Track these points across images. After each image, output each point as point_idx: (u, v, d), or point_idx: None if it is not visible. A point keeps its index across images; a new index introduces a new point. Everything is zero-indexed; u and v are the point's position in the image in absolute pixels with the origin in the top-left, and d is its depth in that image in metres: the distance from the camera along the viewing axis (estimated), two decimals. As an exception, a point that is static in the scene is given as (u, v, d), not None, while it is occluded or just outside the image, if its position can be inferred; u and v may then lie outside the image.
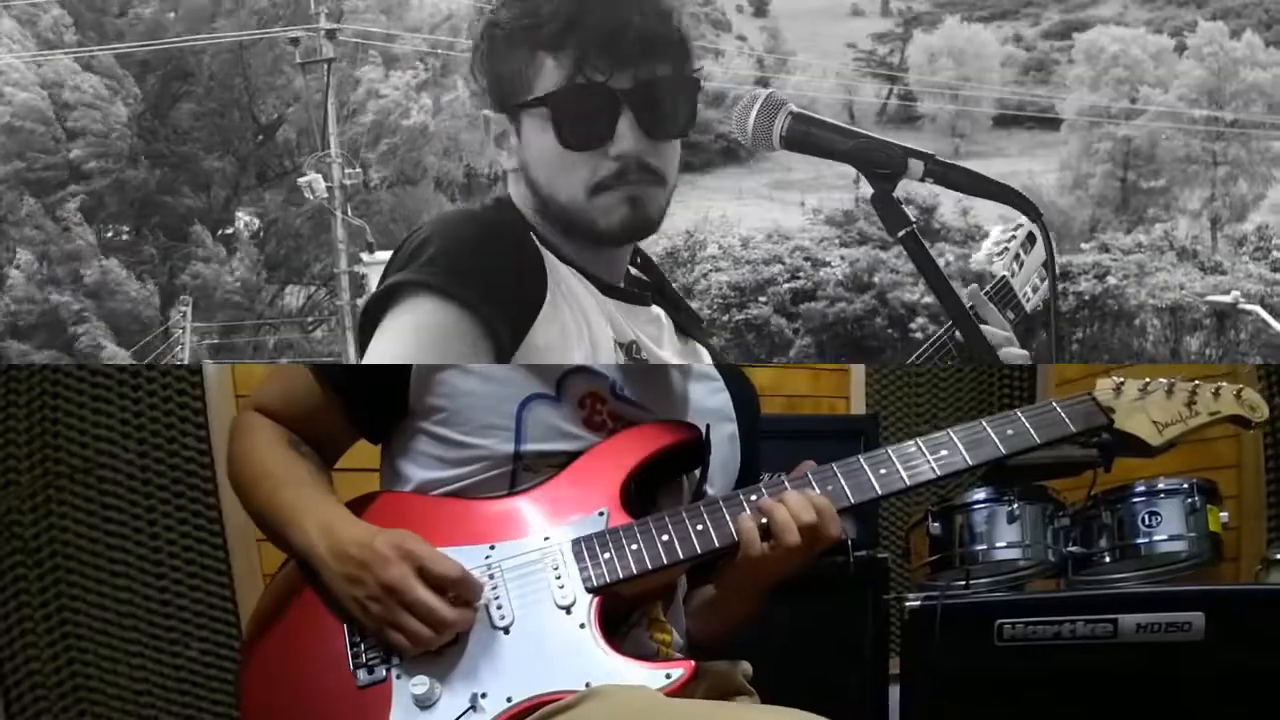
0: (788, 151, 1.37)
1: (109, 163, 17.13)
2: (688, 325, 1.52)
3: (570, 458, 1.42)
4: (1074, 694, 2.60)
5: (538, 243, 1.36)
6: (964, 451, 1.40)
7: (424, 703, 1.26)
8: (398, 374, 1.44)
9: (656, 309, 1.48)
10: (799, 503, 1.38)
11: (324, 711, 1.31)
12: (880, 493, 1.39)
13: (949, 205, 23.75)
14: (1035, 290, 1.67)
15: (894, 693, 2.93)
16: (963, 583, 2.82)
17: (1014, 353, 1.49)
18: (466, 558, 1.33)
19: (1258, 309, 15.48)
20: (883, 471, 1.39)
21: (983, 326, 1.49)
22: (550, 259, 1.36)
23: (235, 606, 2.99)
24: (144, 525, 2.99)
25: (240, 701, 1.38)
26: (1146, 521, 2.76)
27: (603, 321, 1.37)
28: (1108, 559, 2.81)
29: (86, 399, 2.99)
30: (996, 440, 1.41)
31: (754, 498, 1.40)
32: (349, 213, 15.06)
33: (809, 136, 1.34)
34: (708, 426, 1.48)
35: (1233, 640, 2.50)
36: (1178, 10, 44.27)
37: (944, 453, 1.40)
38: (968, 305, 1.47)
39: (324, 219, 16.06)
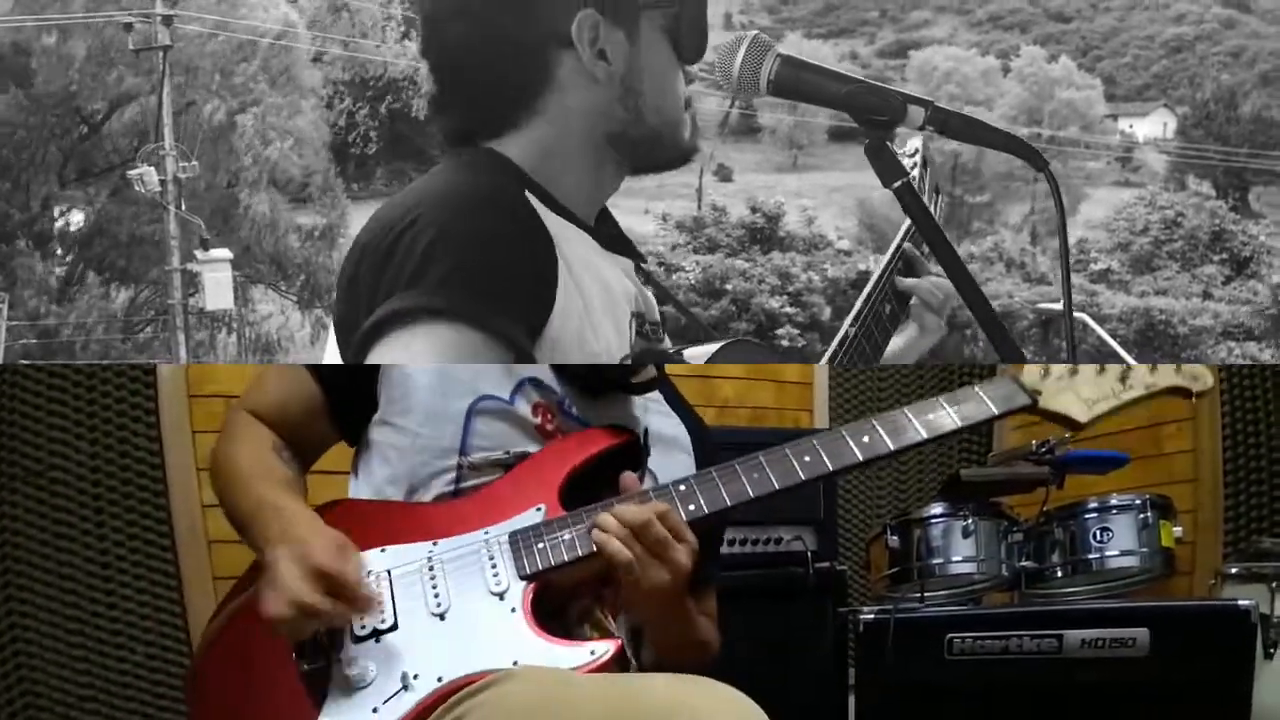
0: (774, 98, 1.31)
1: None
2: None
3: (518, 458, 1.45)
4: (1021, 708, 2.61)
5: (534, 201, 1.26)
6: (886, 438, 1.43)
7: (359, 683, 1.31)
8: (370, 374, 1.48)
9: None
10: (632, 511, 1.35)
11: (266, 694, 1.36)
12: (803, 477, 1.41)
13: (794, 214, 24.17)
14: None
15: (852, 703, 2.93)
16: (918, 595, 2.83)
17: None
18: (411, 553, 1.39)
19: (1084, 317, 16.45)
20: (806, 459, 1.42)
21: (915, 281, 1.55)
22: (548, 219, 1.26)
23: (183, 610, 2.95)
24: (92, 527, 2.96)
25: (194, 687, 1.47)
26: (1098, 537, 2.78)
27: (620, 279, 1.32)
28: (1060, 574, 2.82)
29: (44, 400, 2.96)
30: (917, 425, 1.43)
31: (681, 488, 1.39)
32: (183, 207, 14.32)
33: (799, 82, 1.28)
34: (646, 430, 1.50)
35: (1176, 655, 2.52)
36: (1003, 34, 45.54)
37: (866, 439, 1.43)
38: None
39: (156, 214, 15.04)
